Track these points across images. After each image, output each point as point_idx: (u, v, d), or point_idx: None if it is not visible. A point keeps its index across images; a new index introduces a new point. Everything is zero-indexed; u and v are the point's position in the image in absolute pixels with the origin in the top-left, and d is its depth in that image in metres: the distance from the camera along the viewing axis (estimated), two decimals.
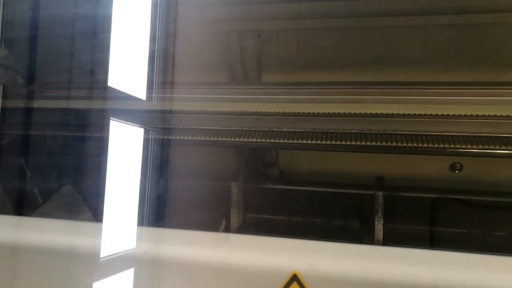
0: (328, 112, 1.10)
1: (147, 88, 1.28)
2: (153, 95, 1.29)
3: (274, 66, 1.37)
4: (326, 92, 1.10)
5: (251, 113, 1.16)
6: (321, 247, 0.89)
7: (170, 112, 1.27)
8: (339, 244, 0.90)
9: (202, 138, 1.16)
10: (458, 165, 1.45)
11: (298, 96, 1.14)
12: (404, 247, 1.18)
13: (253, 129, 1.13)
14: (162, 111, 1.28)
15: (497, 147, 1.09)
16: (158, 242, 0.98)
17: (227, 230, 1.32)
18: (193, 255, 0.92)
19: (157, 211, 1.31)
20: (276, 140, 1.09)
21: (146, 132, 1.30)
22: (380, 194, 1.23)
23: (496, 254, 1.14)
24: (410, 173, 1.43)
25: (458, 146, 1.10)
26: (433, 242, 1.24)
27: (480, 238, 1.24)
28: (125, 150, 1.25)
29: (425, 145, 1.05)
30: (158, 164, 1.33)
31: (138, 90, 1.26)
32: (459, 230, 1.27)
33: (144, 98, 1.27)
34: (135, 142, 1.28)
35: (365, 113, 1.02)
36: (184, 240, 0.95)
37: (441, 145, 1.09)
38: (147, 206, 1.29)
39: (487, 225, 1.25)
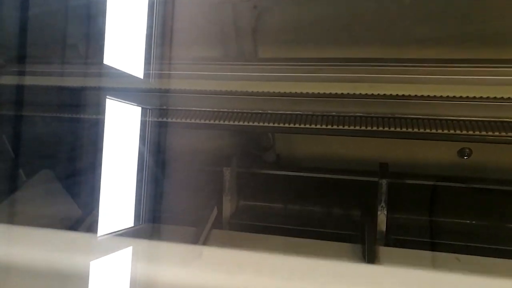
0: (330, 93, 1.01)
1: (133, 66, 1.19)
2: (139, 72, 1.21)
3: (272, 41, 1.26)
4: (328, 70, 1.01)
5: (246, 93, 1.07)
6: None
7: (151, 91, 1.18)
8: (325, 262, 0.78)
9: (188, 121, 1.08)
10: (467, 150, 1.37)
11: (298, 74, 1.04)
12: (408, 239, 1.11)
13: (246, 111, 1.04)
14: (147, 90, 1.19)
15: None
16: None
17: (219, 218, 1.24)
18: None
19: (145, 197, 1.24)
20: (271, 124, 1.00)
21: (132, 111, 1.22)
22: (384, 182, 1.15)
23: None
24: (415, 159, 1.34)
25: (470, 132, 1.02)
26: (441, 234, 1.17)
27: (492, 230, 1.17)
28: (110, 131, 1.17)
29: (438, 131, 0.96)
30: (145, 148, 1.26)
31: (125, 66, 1.18)
32: (468, 221, 1.19)
33: (133, 75, 1.19)
34: (120, 124, 1.20)
35: (372, 94, 0.93)
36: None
37: (452, 131, 1.01)
38: (134, 191, 1.22)
39: (500, 215, 1.18)
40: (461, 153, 1.37)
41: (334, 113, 0.97)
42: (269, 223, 1.21)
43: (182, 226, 1.19)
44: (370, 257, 1.04)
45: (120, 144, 1.22)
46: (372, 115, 0.95)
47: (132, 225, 1.20)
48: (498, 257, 1.03)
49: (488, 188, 1.18)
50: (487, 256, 1.04)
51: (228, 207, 1.24)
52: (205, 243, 1.14)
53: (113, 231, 1.08)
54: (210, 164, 1.32)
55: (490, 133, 1.02)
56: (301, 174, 1.32)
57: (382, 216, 1.16)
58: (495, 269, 0.99)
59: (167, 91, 1.19)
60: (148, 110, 1.23)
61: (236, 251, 0.85)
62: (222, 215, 1.24)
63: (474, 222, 1.19)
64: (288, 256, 0.96)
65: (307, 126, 1.02)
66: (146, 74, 1.21)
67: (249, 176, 1.32)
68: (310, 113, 1.01)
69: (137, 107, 1.24)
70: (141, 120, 1.22)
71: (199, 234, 1.14)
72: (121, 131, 1.22)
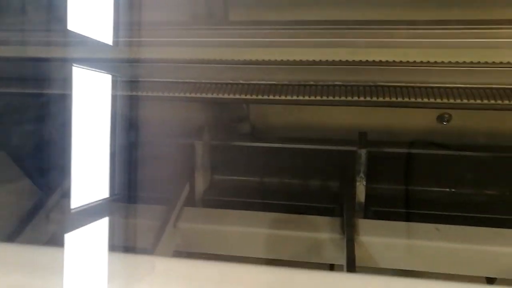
0: (307, 60, 0.94)
1: (100, 32, 1.09)
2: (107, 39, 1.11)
3: (244, 1, 1.17)
4: (305, 34, 0.94)
5: (216, 61, 1.00)
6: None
7: (118, 60, 1.09)
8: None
9: (157, 94, 1.00)
10: (446, 116, 1.35)
11: (272, 39, 0.97)
12: (388, 210, 1.09)
13: (217, 81, 0.97)
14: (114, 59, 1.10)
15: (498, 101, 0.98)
16: None
17: (192, 194, 1.19)
18: None
19: (114, 172, 1.18)
20: (245, 96, 0.94)
21: (99, 80, 1.13)
22: (363, 152, 1.12)
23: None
24: (393, 126, 1.31)
25: (452, 100, 0.99)
26: (421, 203, 1.16)
27: (472, 197, 1.16)
28: (77, 102, 1.09)
29: (418, 99, 0.92)
30: (113, 119, 1.18)
31: (92, 32, 1.08)
32: (448, 190, 1.18)
33: (100, 42, 1.10)
34: (86, 93, 1.11)
35: (353, 60, 0.87)
36: None
37: (432, 100, 0.97)
38: (104, 166, 1.15)
39: (481, 182, 1.17)
40: (440, 118, 1.35)
41: (312, 82, 0.91)
42: (245, 198, 1.17)
43: (153, 204, 1.14)
44: (349, 231, 1.01)
45: (87, 115, 1.14)
46: (352, 83, 0.90)
47: (101, 199, 1.15)
48: (479, 226, 1.03)
49: (469, 155, 1.16)
50: (468, 225, 1.04)
51: (200, 182, 1.19)
52: (176, 222, 1.09)
53: (83, 205, 1.02)
54: (180, 136, 1.26)
55: (472, 100, 0.99)
56: (278, 145, 1.27)
57: (361, 187, 1.14)
58: (475, 238, 0.99)
59: (135, 60, 1.10)
60: (116, 79, 1.14)
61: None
62: (194, 191, 1.19)
63: (454, 190, 1.18)
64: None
65: (283, 97, 0.96)
66: (115, 42, 1.12)
67: (223, 149, 1.26)
68: (286, 82, 0.95)
69: (105, 75, 1.15)
70: (109, 90, 1.14)
71: (170, 212, 1.08)
72: (88, 101, 1.14)
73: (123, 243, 1.11)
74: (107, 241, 1.06)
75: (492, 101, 0.99)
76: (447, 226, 1.02)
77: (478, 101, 0.97)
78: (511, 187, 1.15)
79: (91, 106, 1.15)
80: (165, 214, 1.09)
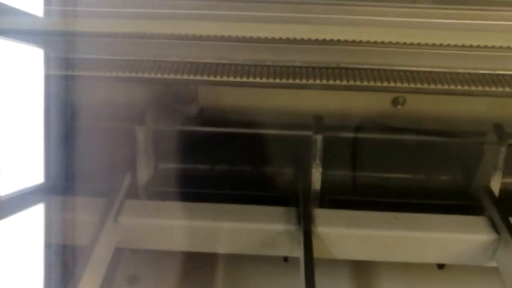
0: (266, 37, 0.87)
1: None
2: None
3: None
4: (263, 8, 0.86)
5: (160, 36, 0.90)
6: None
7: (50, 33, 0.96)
8: None
9: (87, 74, 0.89)
10: (401, 99, 1.34)
11: (223, 12, 0.88)
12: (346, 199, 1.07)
13: (160, 59, 0.88)
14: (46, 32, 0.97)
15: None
16: None
17: (134, 185, 1.09)
18: None
19: (48, 160, 1.05)
20: (193, 77, 0.85)
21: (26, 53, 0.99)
22: (319, 137, 1.08)
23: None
24: (347, 109, 1.28)
25: (412, 84, 0.97)
26: (378, 190, 1.14)
27: (428, 183, 1.16)
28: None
29: (378, 83, 0.89)
30: (45, 98, 1.05)
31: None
32: (403, 175, 1.18)
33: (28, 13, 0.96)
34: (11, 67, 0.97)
35: (316, 39, 0.80)
36: None
37: (392, 83, 0.95)
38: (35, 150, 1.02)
39: (438, 167, 1.17)
40: (395, 102, 1.34)
41: (269, 63, 0.84)
42: (193, 188, 1.09)
43: (91, 195, 1.03)
44: (305, 222, 0.97)
45: (16, 94, 1.00)
46: (314, 65, 0.83)
47: (33, 187, 1.03)
48: (437, 212, 1.03)
49: (426, 140, 1.15)
50: (426, 212, 1.03)
51: (143, 171, 1.09)
52: (117, 216, 0.99)
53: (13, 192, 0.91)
54: (120, 120, 1.14)
55: (425, 85, 0.98)
56: (229, 130, 1.20)
57: (317, 175, 1.09)
58: (433, 225, 0.99)
59: (69, 33, 0.97)
60: (49, 55, 1.01)
61: None
62: (137, 182, 1.09)
63: (410, 176, 1.17)
64: None
65: (235, 79, 0.89)
66: (46, 11, 0.99)
67: (168, 134, 1.16)
68: (240, 62, 0.87)
69: (36, 49, 1.01)
70: (41, 67, 1.01)
71: (110, 205, 0.98)
72: (16, 78, 1.00)
73: (57, 240, 1.00)
74: (39, 234, 0.97)
75: (446, 86, 0.98)
76: (406, 214, 1.01)
77: (433, 86, 0.96)
78: (465, 173, 1.16)
79: (20, 84, 1.02)
80: (104, 207, 0.98)
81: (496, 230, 0.97)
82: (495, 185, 1.07)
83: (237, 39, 0.91)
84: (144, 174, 1.09)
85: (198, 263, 1.19)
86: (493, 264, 1.00)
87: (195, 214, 1.01)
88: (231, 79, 0.89)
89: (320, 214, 1.01)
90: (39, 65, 1.03)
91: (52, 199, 1.01)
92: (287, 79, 0.85)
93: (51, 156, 1.05)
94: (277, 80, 0.85)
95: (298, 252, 1.01)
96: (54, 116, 1.06)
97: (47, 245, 1.02)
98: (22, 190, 0.94)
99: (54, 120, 1.06)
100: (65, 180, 1.08)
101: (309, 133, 1.14)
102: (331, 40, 0.82)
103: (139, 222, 1.00)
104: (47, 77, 1.01)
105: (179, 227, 1.00)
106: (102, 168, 1.09)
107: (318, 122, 1.11)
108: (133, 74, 0.98)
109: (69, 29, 0.96)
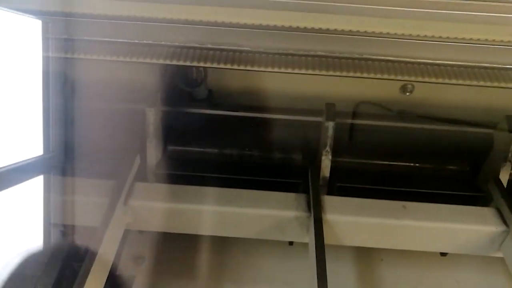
0: (275, 25, 0.87)
1: None
2: None
3: None
4: None
5: (164, 20, 0.89)
6: None
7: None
8: None
9: (92, 57, 0.88)
10: (409, 86, 1.34)
11: None
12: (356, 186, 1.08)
13: (165, 43, 0.88)
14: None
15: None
16: None
17: (143, 168, 1.10)
18: None
19: (56, 142, 1.05)
20: (201, 63, 0.85)
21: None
22: (330, 124, 1.08)
23: None
24: (356, 95, 1.28)
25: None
26: (388, 178, 1.15)
27: (436, 172, 1.18)
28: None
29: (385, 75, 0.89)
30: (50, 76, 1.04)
31: None
32: (412, 164, 1.19)
33: None
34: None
35: (325, 28, 0.80)
36: None
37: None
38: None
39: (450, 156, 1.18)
40: (403, 89, 1.34)
41: (280, 51, 0.84)
42: (203, 172, 1.10)
43: (100, 179, 1.04)
44: (316, 209, 0.99)
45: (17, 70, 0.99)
46: (333, 54, 0.84)
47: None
48: (444, 202, 1.04)
49: (436, 128, 1.16)
50: (433, 201, 1.05)
51: (152, 154, 1.09)
52: (127, 199, 1.00)
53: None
54: (129, 102, 1.14)
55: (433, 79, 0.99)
56: (238, 113, 1.20)
57: (326, 162, 1.10)
58: (441, 215, 1.01)
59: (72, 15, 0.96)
60: (47, 25, 1.00)
61: None
62: (146, 165, 1.09)
63: (418, 164, 1.19)
64: None
65: (245, 67, 0.89)
66: None
67: (177, 117, 1.16)
68: (249, 48, 0.87)
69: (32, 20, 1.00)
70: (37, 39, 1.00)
71: (120, 188, 0.99)
72: (21, 54, 0.99)
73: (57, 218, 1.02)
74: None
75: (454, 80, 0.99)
76: (414, 203, 1.02)
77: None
78: (474, 163, 1.17)
79: (25, 61, 1.01)
80: (114, 190, 0.99)
81: (504, 222, 0.99)
82: (504, 177, 1.08)
83: (246, 26, 0.91)
84: (153, 156, 1.09)
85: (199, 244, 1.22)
86: (499, 254, 1.02)
87: (205, 198, 1.02)
88: (237, 67, 0.90)
89: (330, 201, 1.03)
90: (38, 37, 1.02)
91: (53, 177, 1.01)
92: (294, 68, 0.86)
93: (50, 129, 1.05)
94: (289, 70, 0.85)
95: (306, 238, 1.03)
96: (54, 90, 1.05)
97: (47, 223, 1.03)
98: (19, 162, 0.94)
99: (54, 94, 1.06)
100: (64, 155, 1.08)
101: (320, 119, 1.15)
102: (343, 30, 0.82)
103: (149, 205, 1.01)
104: (46, 52, 1.00)
105: (189, 210, 1.02)
106: (111, 150, 1.09)
107: (330, 109, 1.11)
108: (141, 59, 0.98)
109: (71, 11, 0.95)
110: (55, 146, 1.06)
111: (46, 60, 1.02)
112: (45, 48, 1.01)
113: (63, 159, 1.08)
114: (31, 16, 1.00)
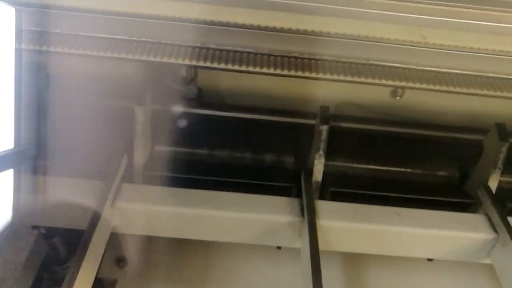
0: (267, 26, 0.86)
1: None
2: None
3: None
4: None
5: (149, 16, 0.87)
6: None
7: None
8: None
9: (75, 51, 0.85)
10: (399, 91, 1.36)
11: None
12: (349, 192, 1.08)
13: (152, 40, 0.86)
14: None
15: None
16: None
17: (130, 168, 1.07)
18: None
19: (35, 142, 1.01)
20: (188, 62, 0.84)
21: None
22: (324, 128, 1.08)
23: None
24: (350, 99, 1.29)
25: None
26: (381, 183, 1.16)
27: (426, 178, 1.19)
28: None
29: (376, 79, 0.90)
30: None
31: None
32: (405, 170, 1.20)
33: None
34: None
35: (320, 31, 0.80)
36: None
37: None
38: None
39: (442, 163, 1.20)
40: (393, 93, 1.35)
41: (267, 52, 0.84)
42: (192, 174, 1.08)
43: (85, 179, 1.00)
44: (310, 214, 0.98)
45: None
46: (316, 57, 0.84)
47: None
48: (435, 208, 1.05)
49: (427, 134, 1.18)
50: (423, 207, 1.06)
51: (140, 155, 1.06)
52: (114, 201, 0.97)
53: None
54: (116, 99, 1.11)
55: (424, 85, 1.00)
56: (229, 113, 1.18)
57: (319, 166, 1.10)
58: (433, 222, 1.02)
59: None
60: (20, 13, 0.96)
61: None
62: (133, 165, 1.06)
63: (408, 170, 1.20)
64: None
65: (234, 66, 0.88)
66: None
67: (166, 116, 1.14)
68: (240, 49, 0.86)
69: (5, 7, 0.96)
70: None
71: (107, 190, 0.96)
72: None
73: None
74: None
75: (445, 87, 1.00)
76: (407, 210, 1.03)
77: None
78: (464, 169, 1.19)
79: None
80: (100, 191, 0.96)
81: (494, 229, 1.01)
82: (493, 183, 1.10)
83: (235, 25, 0.90)
84: (140, 156, 1.06)
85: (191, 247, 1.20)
86: (487, 261, 1.04)
87: (195, 201, 1.00)
88: (231, 66, 0.88)
89: (323, 206, 1.02)
90: (11, 27, 0.98)
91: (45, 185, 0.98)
92: (288, 70, 0.86)
93: (22, 123, 1.01)
94: (278, 71, 0.85)
95: (298, 243, 1.02)
96: (26, 83, 1.02)
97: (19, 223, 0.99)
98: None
99: (26, 87, 1.02)
100: (38, 150, 1.04)
101: (313, 122, 1.15)
102: (336, 33, 0.82)
103: (137, 207, 0.98)
104: (19, 42, 0.96)
105: (178, 214, 0.99)
106: (97, 149, 1.06)
107: (324, 112, 1.11)
108: (128, 56, 0.95)
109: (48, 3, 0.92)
110: (28, 140, 1.02)
111: (18, 51, 0.98)
112: (18, 39, 0.97)
113: (37, 154, 1.04)
114: (3, 3, 0.96)
